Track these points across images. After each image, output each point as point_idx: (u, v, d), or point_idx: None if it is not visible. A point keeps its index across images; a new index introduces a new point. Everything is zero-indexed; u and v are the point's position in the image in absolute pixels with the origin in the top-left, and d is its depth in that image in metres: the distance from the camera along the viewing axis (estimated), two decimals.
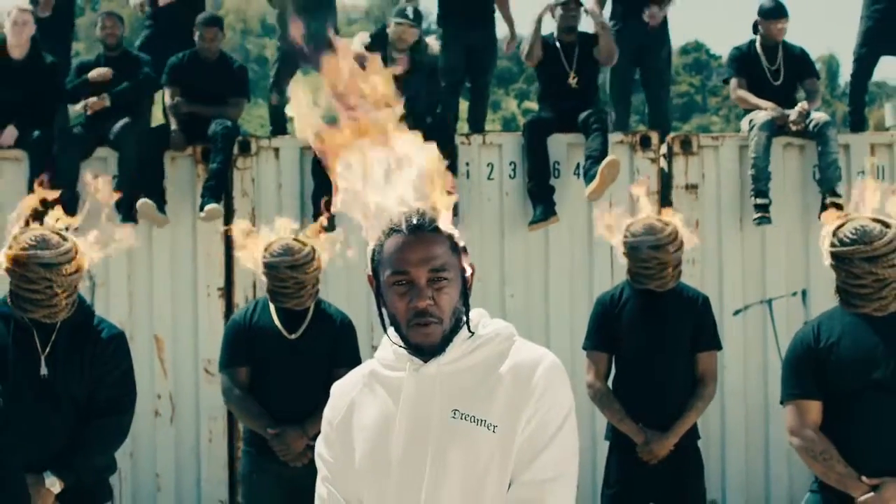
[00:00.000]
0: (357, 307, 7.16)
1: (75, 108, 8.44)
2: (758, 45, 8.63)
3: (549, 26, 8.71)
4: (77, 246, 4.41)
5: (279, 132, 9.11)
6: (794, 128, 8.20)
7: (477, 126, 9.46)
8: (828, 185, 7.84)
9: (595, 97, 8.59)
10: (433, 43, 8.72)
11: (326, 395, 2.91)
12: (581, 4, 8.65)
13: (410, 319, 2.68)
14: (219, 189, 7.98)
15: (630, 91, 9.41)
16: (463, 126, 9.89)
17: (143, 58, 8.85)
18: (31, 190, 7.83)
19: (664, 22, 9.33)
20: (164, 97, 8.73)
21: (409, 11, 8.34)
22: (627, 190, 7.84)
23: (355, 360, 4.88)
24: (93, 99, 8.32)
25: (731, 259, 8.27)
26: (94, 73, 8.42)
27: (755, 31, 8.68)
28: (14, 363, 4.32)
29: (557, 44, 8.59)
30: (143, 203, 7.86)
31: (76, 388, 4.42)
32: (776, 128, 8.20)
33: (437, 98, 8.57)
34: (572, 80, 8.48)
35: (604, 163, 7.73)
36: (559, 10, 8.58)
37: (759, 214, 8.02)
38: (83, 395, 4.43)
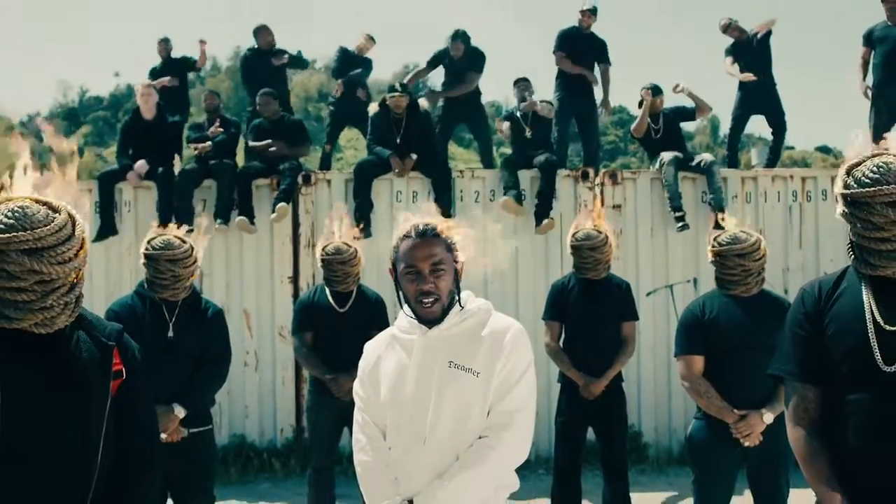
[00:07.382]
0: (385, 291, 7.14)
1: (196, 147, 8.43)
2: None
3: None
4: (193, 246, 4.45)
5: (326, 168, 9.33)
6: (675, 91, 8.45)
7: (487, 162, 9.48)
8: (717, 205, 7.78)
9: (548, 145, 8.54)
10: (423, 103, 8.76)
11: None
12: (528, 81, 8.91)
13: (418, 298, 2.69)
14: (286, 199, 7.99)
15: (568, 141, 9.35)
16: (457, 164, 9.87)
17: (233, 119, 9.02)
18: (160, 209, 7.92)
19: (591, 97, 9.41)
20: (246, 145, 8.81)
21: (398, 86, 8.43)
22: (574, 210, 7.89)
23: (385, 327, 4.85)
24: (201, 145, 8.41)
25: (644, 256, 8.26)
26: (212, 131, 8.58)
27: (640, 105, 8.52)
28: (149, 328, 4.35)
29: (518, 113, 8.67)
30: (241, 220, 7.94)
31: (192, 346, 4.43)
32: (679, 164, 8.20)
33: (432, 142, 8.49)
34: (528, 133, 8.49)
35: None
36: (515, 89, 8.90)
37: (679, 224, 7.93)
38: (197, 351, 4.45)
